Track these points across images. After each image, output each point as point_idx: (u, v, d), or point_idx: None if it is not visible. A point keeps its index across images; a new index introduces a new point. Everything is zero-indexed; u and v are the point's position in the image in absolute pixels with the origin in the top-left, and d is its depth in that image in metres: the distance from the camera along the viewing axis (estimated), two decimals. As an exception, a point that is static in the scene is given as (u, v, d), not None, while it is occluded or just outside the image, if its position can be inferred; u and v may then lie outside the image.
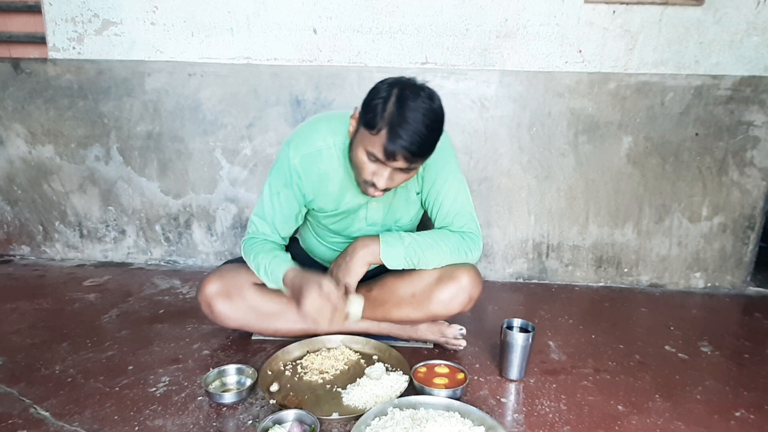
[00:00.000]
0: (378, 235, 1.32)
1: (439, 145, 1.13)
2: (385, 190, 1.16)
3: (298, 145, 1.27)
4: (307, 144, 1.27)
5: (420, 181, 1.34)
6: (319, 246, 1.50)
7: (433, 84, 1.77)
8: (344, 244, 1.42)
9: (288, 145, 1.28)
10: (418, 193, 1.36)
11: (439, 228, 1.37)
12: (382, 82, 1.12)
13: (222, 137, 2.05)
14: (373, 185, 1.14)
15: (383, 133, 1.06)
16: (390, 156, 1.07)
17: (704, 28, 1.81)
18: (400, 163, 1.09)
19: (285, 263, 1.27)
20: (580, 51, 1.87)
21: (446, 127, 1.16)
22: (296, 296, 1.18)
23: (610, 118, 1.92)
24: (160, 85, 2.01)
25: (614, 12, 1.82)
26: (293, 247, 1.48)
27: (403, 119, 1.04)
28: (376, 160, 1.10)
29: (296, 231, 1.46)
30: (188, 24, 1.94)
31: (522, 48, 1.88)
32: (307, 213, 1.41)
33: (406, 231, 1.40)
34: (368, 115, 1.08)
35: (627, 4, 1.80)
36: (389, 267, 1.32)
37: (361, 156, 1.12)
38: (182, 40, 1.96)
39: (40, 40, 2.00)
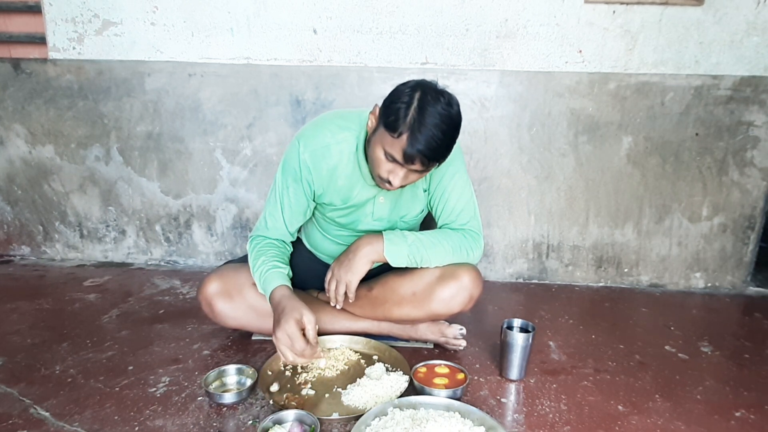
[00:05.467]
0: (381, 234, 1.32)
1: None
2: (399, 186, 1.19)
3: (307, 140, 1.28)
4: (316, 139, 1.28)
5: (428, 178, 1.35)
6: (323, 240, 1.50)
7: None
8: (349, 238, 1.42)
9: (298, 141, 1.29)
10: (425, 190, 1.37)
11: (441, 225, 1.38)
12: (404, 84, 1.14)
13: (222, 137, 2.05)
14: (389, 182, 1.17)
15: (404, 137, 1.09)
16: (409, 160, 1.11)
17: (704, 28, 1.81)
18: (417, 166, 1.12)
19: (278, 279, 1.26)
20: (580, 51, 1.87)
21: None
22: (276, 319, 1.19)
23: (610, 118, 1.92)
24: (160, 85, 2.01)
25: (614, 12, 1.82)
26: (296, 246, 1.48)
27: (423, 125, 1.07)
28: (393, 160, 1.13)
29: (299, 230, 1.46)
30: (188, 24, 1.94)
31: (522, 48, 1.88)
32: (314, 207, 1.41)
33: (409, 228, 1.41)
34: (390, 118, 1.10)
35: (627, 4, 1.80)
36: (392, 265, 1.32)
37: (379, 154, 1.15)
38: (182, 40, 1.96)
39: (40, 40, 2.00)
